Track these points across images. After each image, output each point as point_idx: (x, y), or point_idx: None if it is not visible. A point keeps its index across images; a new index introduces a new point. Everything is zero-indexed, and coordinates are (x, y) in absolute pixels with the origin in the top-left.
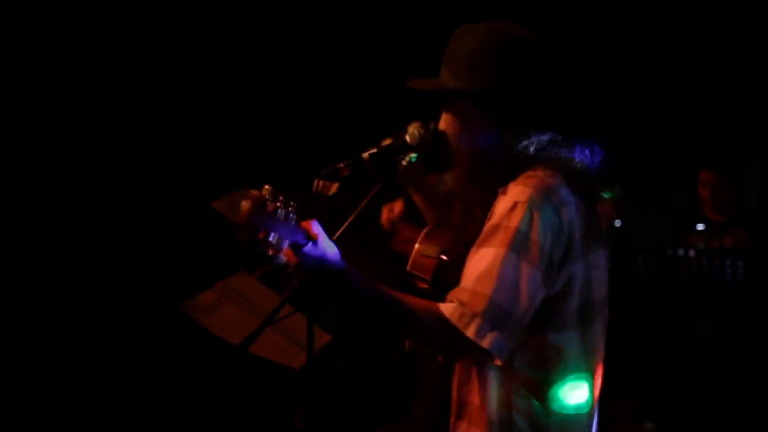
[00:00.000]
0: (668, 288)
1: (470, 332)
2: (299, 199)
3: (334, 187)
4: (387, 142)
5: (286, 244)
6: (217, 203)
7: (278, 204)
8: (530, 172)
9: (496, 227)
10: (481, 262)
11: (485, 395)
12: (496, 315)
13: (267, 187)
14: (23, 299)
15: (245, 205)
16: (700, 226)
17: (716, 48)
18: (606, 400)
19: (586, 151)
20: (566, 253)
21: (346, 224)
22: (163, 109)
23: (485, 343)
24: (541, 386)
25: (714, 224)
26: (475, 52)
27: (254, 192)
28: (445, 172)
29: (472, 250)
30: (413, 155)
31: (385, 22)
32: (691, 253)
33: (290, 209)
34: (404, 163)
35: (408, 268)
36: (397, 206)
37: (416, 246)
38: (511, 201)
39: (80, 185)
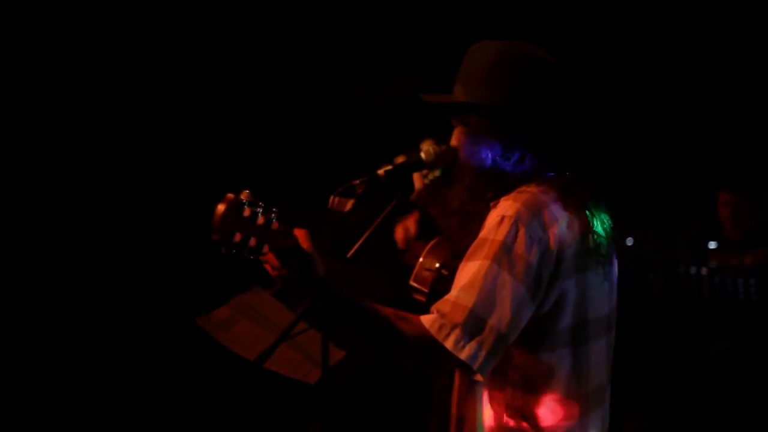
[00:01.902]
0: (681, 306)
1: (449, 343)
2: (283, 207)
3: (350, 204)
4: (401, 159)
5: (266, 249)
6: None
7: (257, 209)
8: (523, 188)
9: (483, 241)
10: (466, 275)
11: (481, 412)
12: (475, 326)
13: (246, 191)
14: (33, 306)
15: (220, 207)
16: (713, 244)
17: (729, 67)
18: (618, 419)
19: (587, 168)
20: (555, 270)
21: (361, 240)
22: (184, 125)
23: (463, 354)
24: (531, 405)
25: (732, 242)
26: (486, 68)
27: (230, 195)
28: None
29: (462, 263)
30: (437, 172)
31: (399, 40)
32: (704, 271)
33: (272, 215)
34: (426, 181)
35: (410, 281)
36: (411, 225)
37: (420, 259)
38: (499, 215)
39: (96, 198)
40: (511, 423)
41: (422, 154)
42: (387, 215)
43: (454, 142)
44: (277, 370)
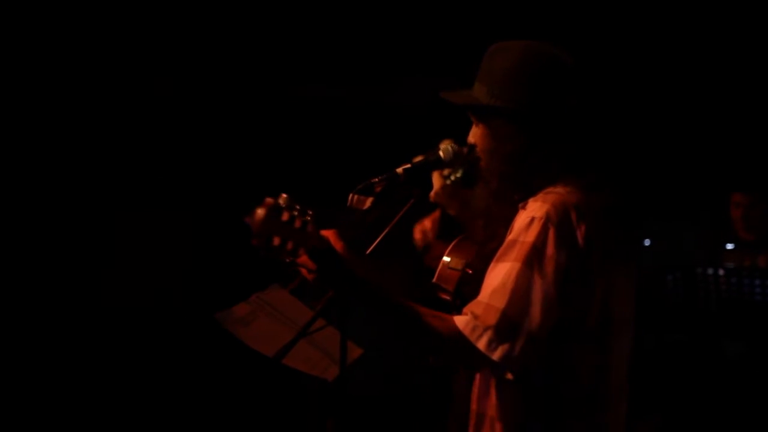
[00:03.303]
0: (698, 307)
1: (481, 345)
2: (317, 209)
3: (369, 202)
4: (419, 158)
5: (302, 252)
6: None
7: (294, 212)
8: (550, 188)
9: (513, 242)
10: (497, 277)
11: (502, 409)
12: (507, 328)
13: (284, 195)
14: (50, 309)
15: (260, 212)
16: (730, 246)
17: (743, 70)
18: (634, 420)
19: (609, 170)
20: (583, 270)
21: (380, 238)
22: (202, 125)
23: (496, 355)
24: (553, 402)
25: (745, 243)
26: (510, 70)
27: (269, 200)
28: (473, 187)
29: (491, 264)
30: (459, 173)
31: (418, 41)
32: (721, 272)
33: (307, 218)
34: (448, 182)
35: (434, 279)
36: (429, 225)
37: (443, 258)
38: (529, 217)
39: (117, 199)
40: (533, 420)
41: (441, 153)
42: (405, 214)
43: (472, 139)
44: (295, 366)
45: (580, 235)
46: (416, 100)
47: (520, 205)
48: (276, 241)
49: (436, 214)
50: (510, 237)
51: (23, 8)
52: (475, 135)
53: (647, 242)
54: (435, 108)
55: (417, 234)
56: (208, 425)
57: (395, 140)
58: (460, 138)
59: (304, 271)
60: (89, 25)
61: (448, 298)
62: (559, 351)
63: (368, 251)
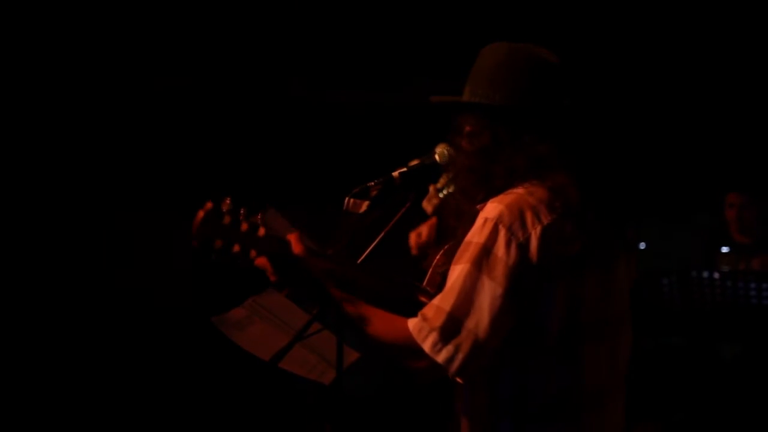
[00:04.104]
0: (693, 310)
1: (427, 346)
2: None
3: (365, 205)
4: (415, 162)
5: (253, 255)
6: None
7: (239, 216)
8: (512, 189)
9: (468, 244)
10: (450, 279)
11: (473, 411)
12: (451, 330)
13: (227, 200)
14: (51, 312)
15: (198, 215)
16: (725, 249)
17: (738, 72)
18: (630, 423)
19: (583, 171)
20: (539, 272)
21: (376, 242)
22: (202, 125)
23: (440, 357)
24: (522, 409)
25: (740, 246)
26: (491, 69)
27: (209, 203)
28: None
29: (451, 267)
30: (451, 189)
31: (415, 44)
32: (716, 275)
33: (257, 221)
34: (441, 196)
35: (424, 284)
36: (424, 232)
37: (435, 260)
38: (483, 218)
39: (112, 201)
40: (504, 422)
41: (436, 156)
42: (401, 217)
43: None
44: (291, 370)
45: (534, 237)
46: (414, 103)
47: (479, 206)
48: (218, 243)
49: (433, 220)
50: (466, 238)
51: (23, 8)
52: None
53: (642, 246)
54: (432, 111)
55: (412, 240)
56: (205, 428)
57: (391, 143)
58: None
59: (268, 273)
60: (92, 27)
61: (426, 299)
62: (522, 357)
63: (364, 254)
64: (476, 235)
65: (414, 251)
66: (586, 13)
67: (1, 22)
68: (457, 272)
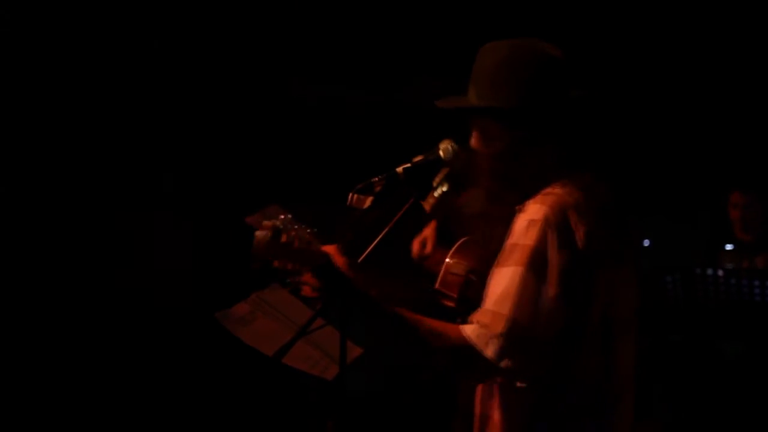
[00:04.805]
0: (697, 308)
1: (489, 352)
2: (313, 226)
3: (368, 201)
4: (419, 158)
5: (305, 270)
6: (250, 218)
7: (292, 233)
8: (548, 189)
9: (513, 246)
10: (500, 283)
11: (505, 412)
12: (515, 335)
13: (282, 216)
14: (54, 311)
15: (260, 236)
16: (729, 246)
17: (741, 70)
18: (634, 421)
19: (605, 169)
20: (585, 271)
21: (379, 238)
22: (205, 126)
23: (504, 363)
24: (561, 405)
25: (744, 244)
26: (496, 69)
27: (267, 223)
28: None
29: (492, 269)
30: (445, 187)
31: (418, 42)
32: (720, 273)
33: (308, 237)
34: (436, 195)
35: (437, 285)
36: (429, 240)
37: (446, 262)
38: (527, 220)
39: (115, 198)
40: (538, 421)
41: (440, 153)
42: (404, 213)
43: (472, 143)
44: (294, 366)
45: (579, 236)
46: (418, 99)
47: (518, 207)
48: (276, 263)
49: (434, 223)
50: (509, 241)
51: (22, 8)
52: (473, 138)
53: (646, 243)
54: (434, 110)
55: (416, 246)
56: (208, 425)
57: (395, 140)
58: (460, 137)
59: (308, 289)
60: (91, 26)
61: (451, 304)
62: (564, 353)
63: (367, 250)
64: (522, 237)
65: (416, 257)
66: (587, 10)
67: None
68: (509, 275)
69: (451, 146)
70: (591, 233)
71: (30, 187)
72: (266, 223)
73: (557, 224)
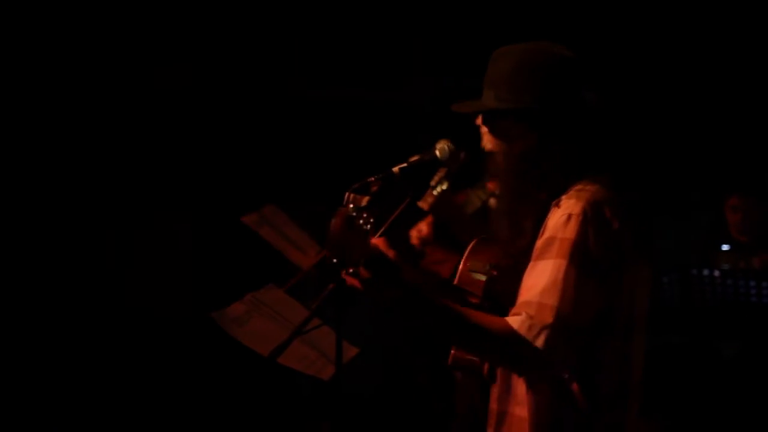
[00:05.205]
0: (693, 309)
1: (539, 343)
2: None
3: (365, 201)
4: (415, 158)
5: (362, 261)
6: (246, 218)
7: (360, 221)
8: (580, 186)
9: (552, 240)
10: (543, 275)
11: (527, 405)
12: (563, 326)
13: (353, 202)
14: (51, 311)
15: (336, 223)
16: (726, 247)
17: (739, 72)
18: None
19: (626, 165)
20: (619, 266)
21: (376, 236)
22: (202, 122)
23: (553, 354)
24: (588, 397)
25: (740, 245)
26: (513, 72)
27: (343, 209)
28: (471, 187)
29: (530, 264)
30: (444, 186)
31: (415, 42)
32: (716, 273)
33: (367, 227)
34: (435, 193)
35: (455, 282)
36: (425, 228)
37: (463, 261)
38: (565, 214)
39: (111, 199)
40: (564, 414)
41: (437, 152)
42: (401, 213)
43: (488, 147)
44: (290, 365)
45: (614, 230)
46: (414, 99)
47: (553, 202)
48: (347, 251)
49: (430, 218)
50: (547, 235)
51: (21, 8)
52: (490, 141)
53: None
54: (433, 107)
55: (414, 239)
56: (203, 425)
57: (392, 139)
58: (459, 137)
59: (356, 281)
60: (90, 25)
61: (476, 300)
62: (593, 344)
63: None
64: (561, 230)
65: (416, 243)
66: (585, 12)
67: None
68: (550, 268)
69: (448, 146)
70: (623, 228)
71: (29, 189)
72: (342, 209)
73: (595, 218)
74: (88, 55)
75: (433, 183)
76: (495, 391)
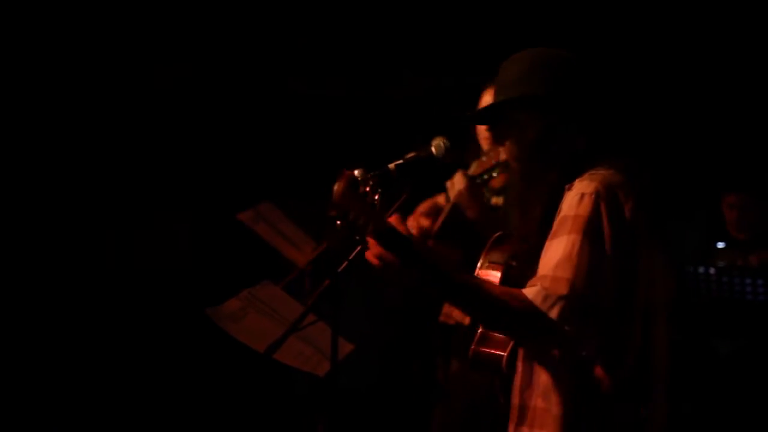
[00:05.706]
0: (689, 305)
1: (554, 314)
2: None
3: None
4: (411, 155)
5: (370, 230)
6: (242, 215)
7: (367, 188)
8: (593, 171)
9: (566, 218)
10: (558, 250)
11: (550, 397)
12: (577, 297)
13: (359, 170)
14: (50, 307)
15: (339, 185)
16: (721, 244)
17: (738, 70)
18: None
19: (638, 153)
20: (632, 247)
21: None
22: (194, 123)
23: (567, 326)
24: (605, 385)
25: (737, 242)
26: (519, 71)
27: (348, 172)
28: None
29: (546, 243)
30: (494, 173)
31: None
32: (713, 271)
33: (376, 195)
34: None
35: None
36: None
37: (483, 255)
38: (578, 193)
39: (108, 196)
40: (587, 403)
41: (432, 149)
42: (397, 210)
43: (503, 156)
44: (286, 362)
45: (626, 214)
46: (410, 96)
47: (567, 186)
48: (351, 215)
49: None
50: (561, 214)
51: (21, 8)
52: (504, 147)
53: None
54: (429, 104)
55: (414, 229)
56: (199, 422)
57: (388, 136)
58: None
59: (369, 255)
60: (90, 24)
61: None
62: (614, 328)
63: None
64: (574, 208)
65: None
66: (585, 12)
67: None
68: (564, 242)
69: (443, 143)
70: (637, 213)
71: (29, 189)
72: (346, 171)
73: (607, 197)
74: (87, 54)
75: (471, 172)
76: (517, 385)
